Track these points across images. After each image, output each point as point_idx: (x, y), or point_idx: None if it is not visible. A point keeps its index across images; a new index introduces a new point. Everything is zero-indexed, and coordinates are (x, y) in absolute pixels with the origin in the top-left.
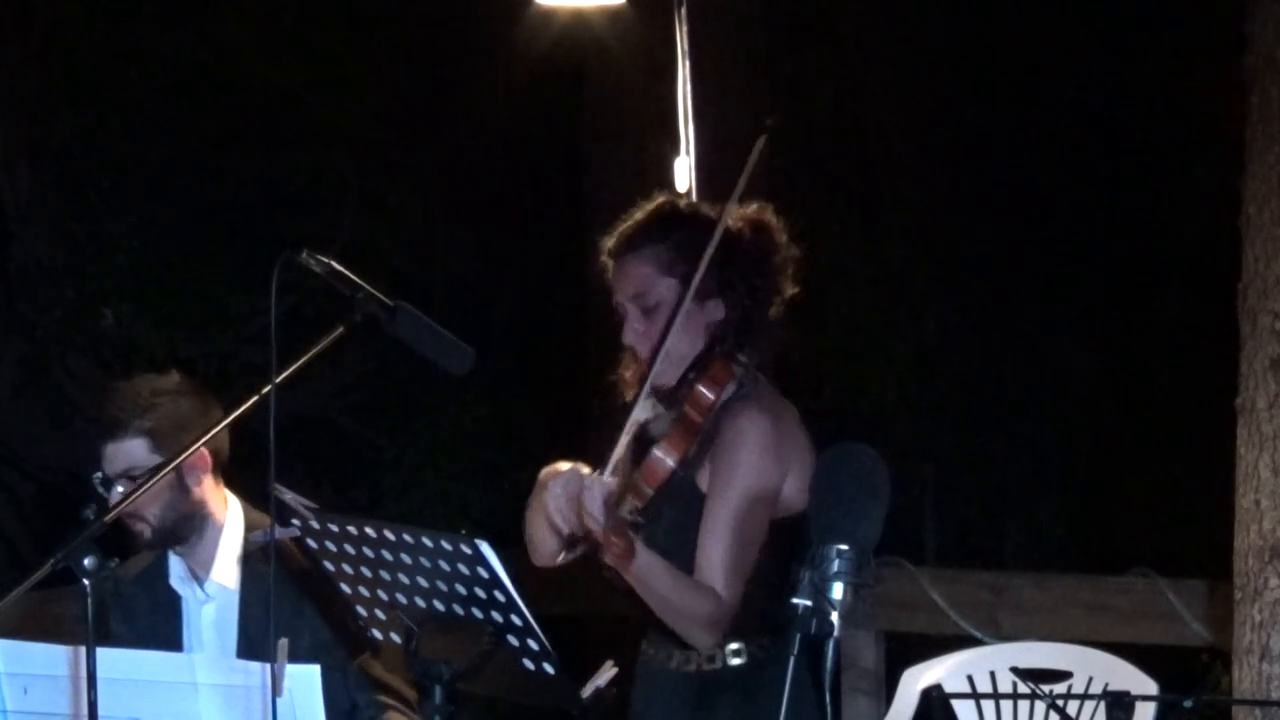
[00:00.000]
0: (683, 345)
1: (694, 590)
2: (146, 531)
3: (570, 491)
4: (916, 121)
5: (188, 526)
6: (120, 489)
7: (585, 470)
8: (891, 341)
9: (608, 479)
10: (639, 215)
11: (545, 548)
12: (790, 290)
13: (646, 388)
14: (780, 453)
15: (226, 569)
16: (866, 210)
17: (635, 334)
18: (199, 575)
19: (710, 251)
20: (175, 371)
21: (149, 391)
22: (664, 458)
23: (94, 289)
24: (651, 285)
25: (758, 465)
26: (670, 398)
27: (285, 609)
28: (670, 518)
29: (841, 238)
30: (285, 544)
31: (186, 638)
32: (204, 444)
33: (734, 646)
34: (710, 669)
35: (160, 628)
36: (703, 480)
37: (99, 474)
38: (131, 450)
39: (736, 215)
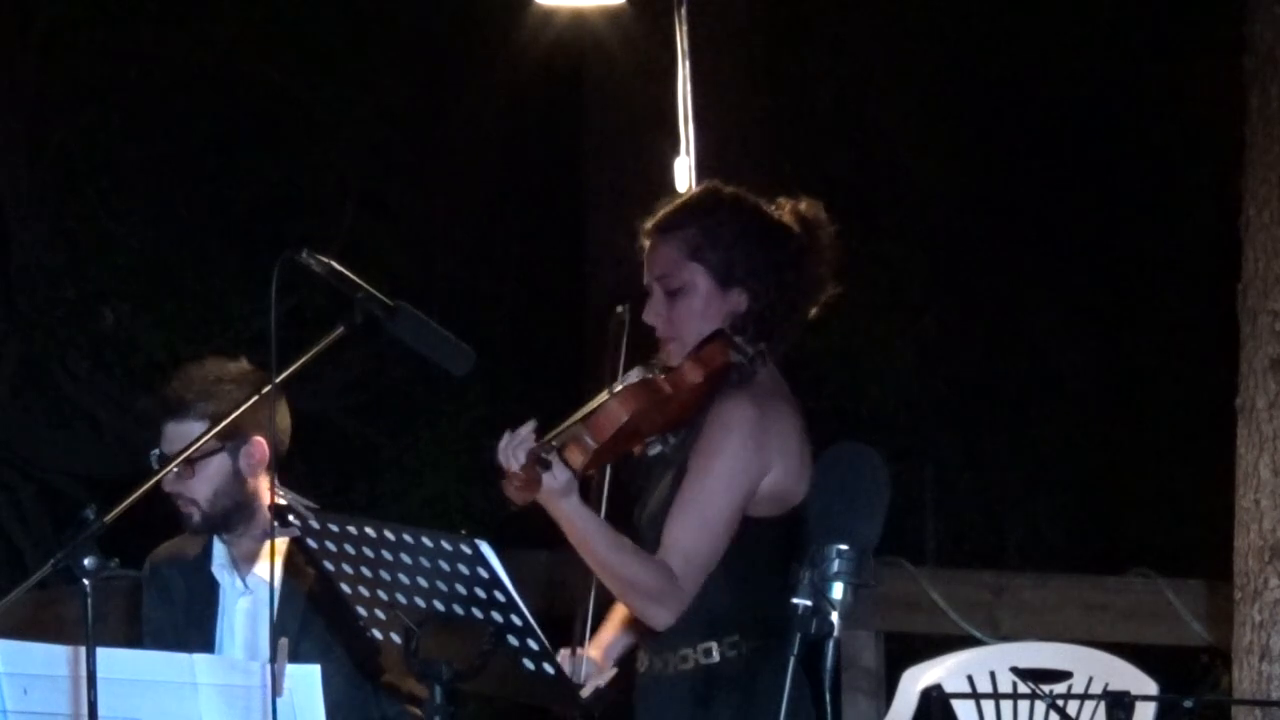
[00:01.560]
0: (698, 329)
1: (640, 560)
2: (195, 515)
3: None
4: (916, 121)
5: (237, 516)
6: (173, 471)
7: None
8: (891, 341)
9: (531, 430)
10: (681, 197)
11: None
12: (832, 290)
13: (621, 363)
14: (763, 446)
15: (270, 564)
16: (866, 210)
17: (655, 315)
18: (241, 567)
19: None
20: (245, 359)
21: (215, 376)
22: (611, 410)
23: (94, 289)
24: (676, 267)
25: (735, 454)
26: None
27: (323, 618)
28: (658, 496)
29: (841, 238)
30: None
31: (220, 625)
32: (199, 445)
33: (706, 645)
34: (686, 669)
35: (195, 612)
36: None
37: (157, 450)
38: (191, 432)
39: (788, 209)
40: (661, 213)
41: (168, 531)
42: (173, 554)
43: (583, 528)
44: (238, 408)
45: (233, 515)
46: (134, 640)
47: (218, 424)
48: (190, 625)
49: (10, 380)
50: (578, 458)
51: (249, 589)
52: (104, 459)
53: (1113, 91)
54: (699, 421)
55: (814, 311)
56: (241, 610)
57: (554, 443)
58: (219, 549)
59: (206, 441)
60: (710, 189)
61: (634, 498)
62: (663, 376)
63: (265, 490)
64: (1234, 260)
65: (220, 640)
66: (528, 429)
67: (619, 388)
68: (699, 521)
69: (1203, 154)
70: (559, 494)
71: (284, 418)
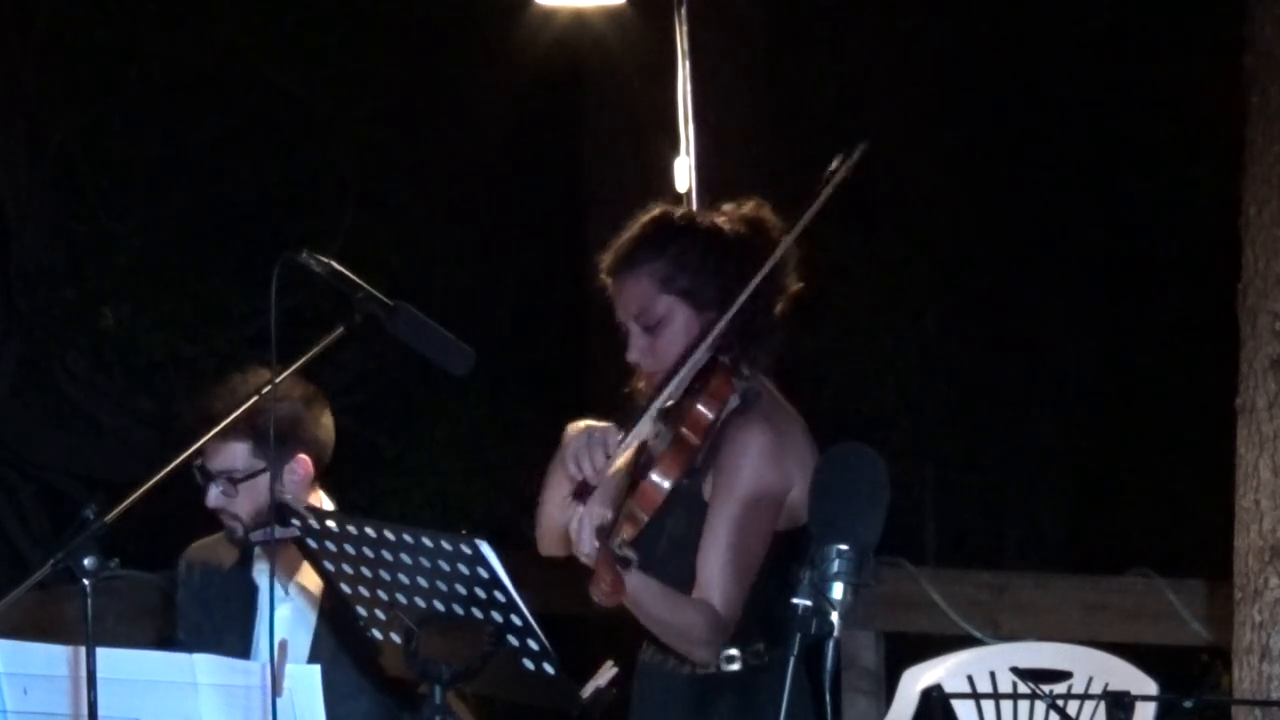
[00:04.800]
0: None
1: (690, 609)
2: (239, 529)
3: (595, 439)
4: (916, 121)
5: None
6: (217, 488)
7: (615, 431)
8: (891, 341)
9: (602, 510)
10: (633, 230)
11: (554, 530)
12: (794, 286)
13: (653, 410)
14: (783, 462)
15: (312, 573)
16: (866, 210)
17: (640, 351)
18: (282, 575)
19: (755, 282)
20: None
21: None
22: (659, 482)
23: (94, 289)
24: (652, 303)
25: (758, 477)
26: (671, 414)
27: (357, 640)
28: (674, 528)
29: (841, 238)
30: None
31: (258, 629)
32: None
33: (730, 653)
34: (705, 673)
35: (234, 616)
36: (707, 490)
37: (199, 462)
38: (234, 451)
39: (732, 214)
40: (619, 250)
41: (169, 531)
42: (209, 556)
43: (647, 596)
44: (281, 425)
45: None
46: (149, 636)
47: (260, 441)
48: (228, 627)
49: (10, 380)
50: (631, 533)
51: (289, 596)
52: (104, 459)
53: (1113, 91)
54: (707, 452)
55: (780, 307)
56: (281, 617)
57: (621, 535)
58: (259, 556)
59: (250, 461)
60: (660, 217)
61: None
62: (686, 430)
63: (307, 500)
64: (1234, 260)
65: (258, 644)
66: (598, 515)
67: (644, 440)
68: (733, 551)
69: (1203, 154)
70: (633, 577)
71: (328, 430)
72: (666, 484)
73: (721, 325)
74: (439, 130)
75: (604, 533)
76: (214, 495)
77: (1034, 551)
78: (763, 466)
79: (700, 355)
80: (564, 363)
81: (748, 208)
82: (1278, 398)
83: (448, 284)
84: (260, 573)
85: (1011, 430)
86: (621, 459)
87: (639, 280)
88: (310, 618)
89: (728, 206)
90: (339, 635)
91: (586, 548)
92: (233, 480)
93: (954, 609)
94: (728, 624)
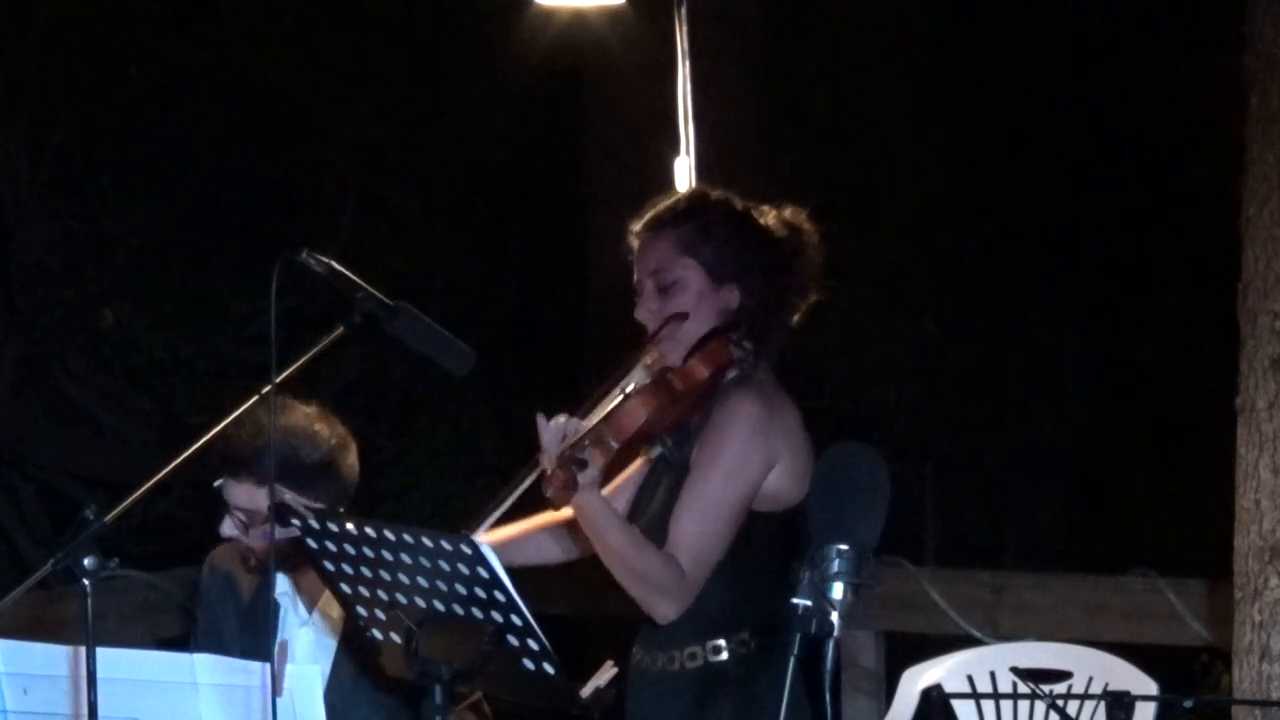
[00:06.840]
0: (691, 328)
1: (652, 553)
2: (253, 560)
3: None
4: (916, 121)
5: (299, 559)
6: (232, 521)
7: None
8: (891, 341)
9: (573, 422)
10: (670, 199)
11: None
12: (815, 297)
13: (645, 355)
14: (769, 440)
15: (333, 601)
16: (866, 210)
17: (649, 311)
18: (303, 597)
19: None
20: (315, 404)
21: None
22: (630, 411)
23: (94, 289)
24: (670, 263)
25: (743, 448)
26: (663, 370)
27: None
28: (660, 498)
29: (841, 238)
30: None
31: (277, 648)
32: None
33: (716, 643)
34: (694, 666)
35: (255, 628)
36: (694, 457)
37: (220, 482)
38: (254, 494)
39: (771, 214)
40: (651, 213)
41: (169, 531)
42: (232, 568)
43: (604, 520)
44: (313, 465)
45: (294, 559)
46: (149, 636)
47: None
48: (246, 637)
49: (10, 380)
50: (600, 459)
51: (309, 621)
52: (104, 459)
53: (1113, 91)
54: (699, 421)
55: (797, 318)
56: (305, 638)
57: (585, 443)
58: (281, 577)
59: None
60: (699, 191)
61: (633, 501)
62: (673, 375)
63: None
64: (1234, 260)
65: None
66: (567, 424)
67: (632, 387)
68: (706, 515)
69: (1203, 154)
70: (588, 490)
71: (354, 471)
72: (638, 415)
73: (732, 294)
74: (439, 130)
75: (566, 440)
76: (228, 527)
77: (1034, 551)
78: (749, 436)
79: (698, 323)
80: (564, 363)
81: (787, 212)
82: (1278, 398)
83: (448, 284)
84: (282, 594)
85: (1011, 430)
86: (600, 393)
87: (664, 239)
88: (330, 644)
89: (765, 207)
90: (359, 661)
91: (550, 450)
92: (248, 524)
93: (954, 609)
94: (690, 584)
